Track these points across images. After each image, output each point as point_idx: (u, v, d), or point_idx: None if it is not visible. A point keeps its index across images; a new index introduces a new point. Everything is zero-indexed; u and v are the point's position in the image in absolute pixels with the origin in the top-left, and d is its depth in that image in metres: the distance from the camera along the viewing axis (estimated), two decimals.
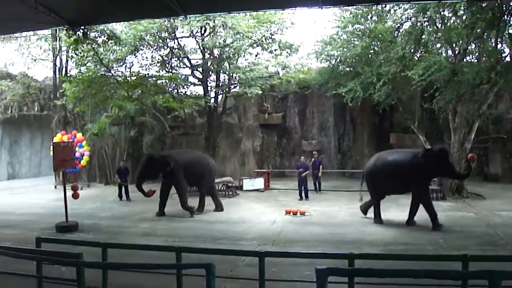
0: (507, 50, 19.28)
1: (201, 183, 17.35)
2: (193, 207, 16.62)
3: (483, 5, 16.45)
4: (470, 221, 14.80)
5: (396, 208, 16.49)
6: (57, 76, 26.64)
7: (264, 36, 21.10)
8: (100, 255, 7.48)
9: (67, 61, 26.22)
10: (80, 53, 19.32)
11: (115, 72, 21.17)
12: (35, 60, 29.67)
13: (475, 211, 16.31)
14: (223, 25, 19.97)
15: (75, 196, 15.35)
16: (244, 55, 21.62)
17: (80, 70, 21.27)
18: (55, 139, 21.78)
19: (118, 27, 19.53)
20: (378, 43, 20.65)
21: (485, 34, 18.04)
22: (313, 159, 21.19)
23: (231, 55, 20.81)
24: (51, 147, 16.30)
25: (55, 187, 24.46)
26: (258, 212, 16.90)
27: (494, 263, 6.52)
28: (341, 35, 21.58)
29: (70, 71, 25.67)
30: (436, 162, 13.61)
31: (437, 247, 11.58)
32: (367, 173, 15.17)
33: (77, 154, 21.83)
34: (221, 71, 21.79)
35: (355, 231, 13.50)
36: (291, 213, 16.07)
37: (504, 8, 16.79)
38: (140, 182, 16.17)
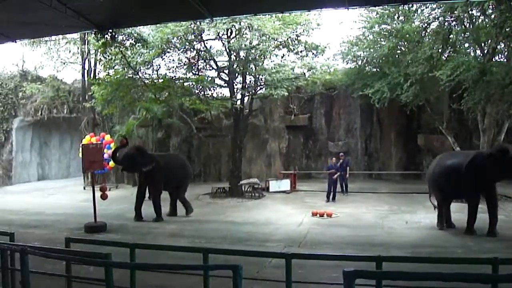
0: None
1: (179, 187, 17.21)
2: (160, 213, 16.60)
3: None
4: (500, 223, 14.48)
5: (423, 210, 16.31)
6: (86, 79, 27.04)
7: (290, 37, 21.05)
8: (128, 255, 7.57)
9: (95, 64, 26.58)
10: (108, 56, 19.52)
11: (142, 75, 21.35)
12: (64, 63, 30.10)
13: (505, 213, 16.03)
14: (249, 27, 19.99)
15: (104, 197, 15.56)
16: (270, 57, 21.58)
17: (108, 73, 21.50)
18: (84, 141, 22.05)
19: (146, 30, 19.70)
20: (405, 43, 20.50)
21: None
22: (340, 161, 21.14)
23: (257, 57, 20.80)
24: (80, 149, 16.56)
25: (84, 188, 24.82)
26: (285, 213, 16.90)
27: None
28: (368, 36, 21.48)
29: (98, 74, 26.01)
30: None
31: (467, 250, 11.42)
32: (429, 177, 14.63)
33: (106, 156, 22.05)
34: (247, 73, 21.79)
35: (382, 233, 13.40)
36: (318, 215, 16.05)
37: None
38: (114, 157, 16.38)
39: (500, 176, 12.90)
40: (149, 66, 21.32)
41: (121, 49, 18.44)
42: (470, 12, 18.27)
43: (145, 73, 21.71)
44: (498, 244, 11.72)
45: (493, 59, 18.80)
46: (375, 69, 22.35)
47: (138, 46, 18.95)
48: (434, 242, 12.26)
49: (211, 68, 21.92)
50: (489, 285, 5.94)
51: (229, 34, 20.91)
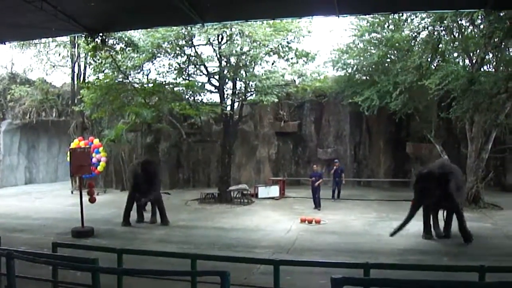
0: None
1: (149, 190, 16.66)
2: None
3: (501, 14, 16.36)
4: (487, 231, 14.65)
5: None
6: (75, 82, 26.93)
7: (280, 44, 21.11)
8: (115, 260, 7.53)
9: (85, 67, 26.49)
10: (98, 60, 19.45)
11: (132, 79, 21.28)
12: (53, 66, 30.04)
13: (492, 221, 16.14)
14: (240, 33, 20.03)
15: (92, 200, 15.46)
16: (260, 63, 21.63)
17: (98, 76, 21.40)
18: (72, 145, 21.76)
19: (136, 35, 19.67)
20: (395, 52, 20.63)
21: (503, 43, 17.94)
22: (335, 167, 21.27)
23: (247, 63, 20.83)
24: (68, 153, 16.45)
25: (72, 193, 24.67)
26: (273, 220, 16.89)
27: (511, 274, 6.45)
28: (358, 44, 21.59)
29: (88, 77, 25.87)
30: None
31: (454, 257, 11.48)
32: None
33: (94, 160, 21.87)
34: (238, 78, 21.81)
35: (370, 240, 13.43)
36: (307, 222, 16.05)
37: None
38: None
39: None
40: (139, 70, 21.27)
41: (111, 53, 18.36)
42: (459, 22, 18.43)
43: (135, 78, 21.64)
44: (485, 252, 11.79)
45: (482, 69, 18.98)
46: (364, 77, 22.46)
47: (128, 50, 18.89)
48: (421, 250, 12.31)
49: (201, 73, 21.92)
50: None
51: (220, 39, 20.93)
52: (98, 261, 6.54)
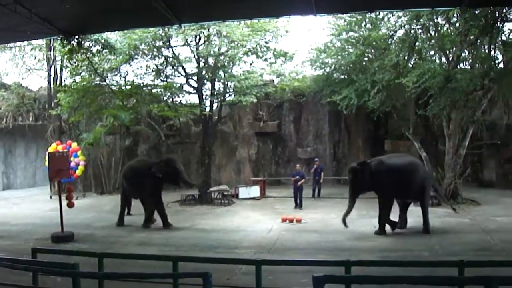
0: (500, 57, 19.44)
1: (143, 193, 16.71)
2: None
3: (476, 12, 16.58)
4: (465, 227, 14.84)
5: (391, 215, 16.51)
6: (52, 86, 26.56)
7: (258, 44, 21.13)
8: (96, 265, 7.46)
9: (61, 70, 26.15)
10: (75, 62, 19.23)
11: (109, 82, 21.13)
12: (29, 70, 29.67)
13: (470, 217, 16.35)
14: (217, 34, 20.01)
15: (70, 205, 15.29)
16: (239, 64, 21.62)
17: (74, 79, 21.19)
18: (50, 149, 21.70)
19: (113, 36, 19.51)
20: (372, 50, 20.75)
21: (478, 41, 18.19)
22: (315, 166, 21.32)
23: (226, 64, 20.82)
24: (46, 157, 16.27)
25: (51, 197, 24.36)
26: (254, 220, 16.89)
27: (490, 268, 6.55)
28: (336, 43, 21.67)
29: (64, 80, 25.57)
30: None
31: (433, 253, 11.61)
32: None
33: (72, 164, 21.73)
34: (216, 79, 21.78)
35: (351, 238, 13.51)
36: (288, 221, 16.09)
37: (497, 15, 16.93)
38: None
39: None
40: (116, 72, 21.13)
41: (87, 55, 18.19)
42: (435, 20, 18.64)
43: (113, 80, 21.50)
44: (464, 247, 11.94)
45: (458, 67, 19.20)
46: (343, 76, 22.54)
47: (105, 52, 18.72)
48: (402, 246, 12.42)
49: (179, 74, 21.83)
50: (456, 287, 6.05)
51: (197, 40, 20.88)
52: (79, 266, 6.47)
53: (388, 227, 14.28)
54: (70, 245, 13.46)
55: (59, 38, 15.58)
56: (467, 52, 19.28)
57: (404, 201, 14.90)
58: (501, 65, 19.08)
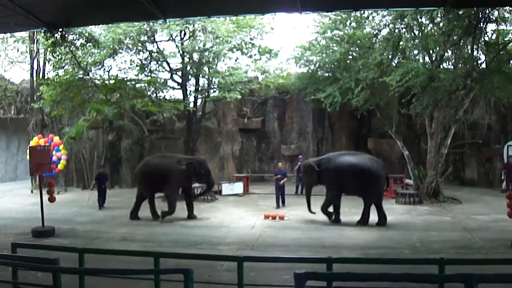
0: (482, 57, 19.60)
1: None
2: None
3: (460, 12, 16.72)
4: (446, 225, 14.98)
5: (373, 212, 16.61)
6: (35, 79, 26.27)
7: (243, 40, 21.12)
8: (77, 260, 7.41)
9: (44, 63, 25.90)
10: (58, 55, 19.09)
11: (93, 75, 20.98)
12: (12, 63, 29.34)
13: (451, 215, 16.51)
14: (202, 29, 19.96)
15: (51, 199, 15.15)
16: (223, 60, 21.60)
17: (57, 73, 21.01)
18: (32, 143, 21.48)
19: (97, 30, 19.39)
20: (357, 49, 20.82)
21: (461, 41, 18.37)
22: (298, 163, 21.35)
23: (210, 60, 20.77)
24: (28, 151, 16.11)
25: (32, 192, 24.13)
26: (237, 216, 16.89)
27: (470, 266, 6.61)
28: (320, 41, 21.70)
29: (47, 74, 25.33)
30: None
31: (415, 250, 11.70)
32: None
33: (54, 158, 21.54)
34: (201, 75, 21.73)
35: (333, 235, 13.57)
36: (270, 218, 16.12)
37: (480, 15, 17.09)
38: None
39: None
40: (100, 66, 20.99)
41: (71, 48, 18.04)
42: (419, 20, 18.74)
43: (96, 74, 21.36)
44: (444, 245, 12.06)
45: (441, 66, 19.37)
46: (327, 74, 22.58)
47: (89, 46, 18.58)
48: (383, 243, 12.50)
49: (163, 70, 21.75)
50: (436, 284, 6.11)
51: (182, 36, 20.81)
52: (59, 261, 6.41)
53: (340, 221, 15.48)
54: (51, 240, 13.33)
55: (43, 30, 15.45)
56: (450, 52, 19.44)
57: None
58: (484, 65, 19.26)
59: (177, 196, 16.87)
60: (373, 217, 15.27)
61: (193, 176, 16.74)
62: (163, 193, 17.45)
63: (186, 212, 16.74)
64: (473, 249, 11.72)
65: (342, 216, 15.89)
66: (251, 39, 21.38)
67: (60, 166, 22.73)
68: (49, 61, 23.13)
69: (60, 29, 15.15)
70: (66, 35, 16.08)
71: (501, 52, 18.70)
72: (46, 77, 24.27)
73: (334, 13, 19.65)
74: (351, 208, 16.84)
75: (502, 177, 21.31)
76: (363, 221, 14.99)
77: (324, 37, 21.44)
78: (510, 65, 19.67)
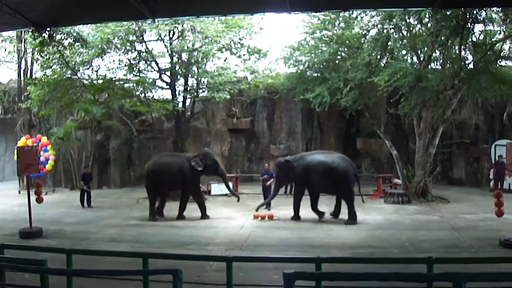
0: (470, 57, 19.73)
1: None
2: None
3: (448, 13, 16.82)
4: (435, 224, 15.07)
5: (361, 212, 16.69)
6: (22, 78, 26.05)
7: (232, 40, 21.10)
8: (65, 261, 7.36)
9: (32, 63, 25.72)
10: (46, 55, 18.97)
11: (81, 75, 20.87)
12: None
13: (439, 214, 16.61)
14: (191, 29, 19.92)
15: (39, 200, 15.04)
16: (212, 60, 21.55)
17: (45, 72, 20.88)
18: (19, 143, 21.36)
19: (85, 30, 19.27)
20: (345, 49, 20.87)
21: (449, 41, 18.46)
22: None
23: (199, 59, 20.74)
24: (15, 151, 16.00)
25: (19, 192, 23.93)
26: (226, 216, 16.88)
27: (458, 265, 6.65)
28: (309, 41, 21.73)
29: (35, 73, 25.16)
30: None
31: (403, 250, 11.76)
32: None
33: (42, 159, 21.42)
34: (190, 75, 21.68)
35: (322, 235, 13.60)
36: (260, 218, 16.12)
37: (467, 16, 17.19)
38: None
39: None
40: (88, 66, 20.89)
41: (59, 48, 17.94)
42: (407, 20, 18.84)
43: (84, 74, 21.24)
44: (432, 244, 12.13)
45: (429, 66, 19.48)
46: (316, 74, 22.61)
47: (77, 45, 18.49)
48: (372, 243, 12.55)
49: (152, 69, 21.68)
50: (424, 283, 6.14)
51: (171, 35, 20.76)
52: (47, 262, 6.36)
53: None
54: (39, 241, 13.22)
55: (30, 30, 15.34)
56: (438, 52, 19.54)
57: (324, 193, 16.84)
58: (471, 66, 19.40)
59: (201, 192, 17.48)
60: (364, 217, 15.34)
61: (200, 168, 16.74)
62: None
63: (174, 213, 16.73)
64: (461, 248, 11.79)
65: (328, 215, 15.97)
66: (240, 39, 21.36)
67: (48, 167, 22.60)
68: (36, 61, 22.99)
69: (48, 29, 15.05)
70: (54, 35, 15.99)
71: (488, 53, 18.88)
72: (33, 77, 24.11)
73: (323, 13, 19.71)
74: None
75: (491, 176, 21.50)
76: (351, 220, 15.33)
77: (313, 37, 21.47)
78: (497, 65, 19.87)
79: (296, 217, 16.14)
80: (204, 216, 16.62)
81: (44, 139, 22.78)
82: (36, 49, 19.05)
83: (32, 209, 14.24)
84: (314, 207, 16.23)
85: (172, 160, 17.34)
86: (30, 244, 11.92)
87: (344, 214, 15.76)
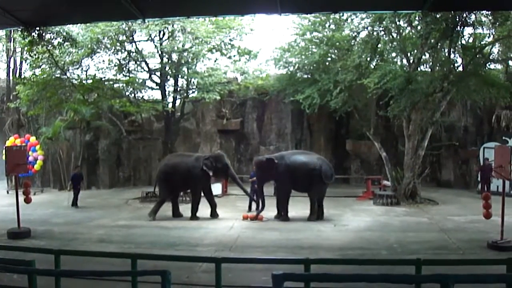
0: (459, 60, 19.87)
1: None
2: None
3: (437, 16, 16.93)
4: (423, 226, 15.14)
5: (350, 213, 16.76)
6: (11, 78, 25.91)
7: (223, 41, 21.12)
8: (53, 262, 7.32)
9: (21, 62, 25.55)
10: (35, 54, 18.86)
11: (70, 75, 20.80)
12: None
13: (428, 216, 16.68)
14: (182, 30, 19.90)
15: (27, 200, 14.94)
16: (202, 60, 21.57)
17: (34, 72, 20.79)
18: (8, 143, 21.21)
19: (75, 29, 19.20)
20: (336, 51, 20.92)
21: (439, 44, 18.57)
22: None
23: (189, 60, 20.74)
24: (4, 151, 15.87)
25: (7, 192, 23.74)
26: (216, 217, 16.85)
27: (446, 267, 6.69)
28: (299, 43, 21.76)
29: (24, 73, 25.03)
30: None
31: (392, 251, 11.80)
32: None
33: (30, 159, 21.29)
34: (179, 75, 21.66)
35: (311, 236, 13.62)
36: (249, 219, 16.11)
37: (457, 19, 17.32)
38: None
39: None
40: (77, 66, 20.83)
41: (48, 48, 17.87)
42: (397, 23, 18.91)
43: (74, 74, 21.19)
44: (421, 246, 12.18)
45: (418, 69, 19.55)
46: (306, 76, 22.66)
47: (66, 45, 18.41)
48: (361, 245, 12.57)
49: (142, 70, 21.64)
50: (413, 285, 6.17)
51: (161, 36, 20.74)
52: (35, 263, 6.33)
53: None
54: (27, 241, 13.13)
55: (20, 29, 15.24)
56: (427, 55, 19.65)
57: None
58: (460, 68, 19.53)
59: (200, 195, 17.14)
60: (353, 218, 15.39)
61: (211, 171, 16.78)
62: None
63: (163, 214, 16.72)
64: (449, 250, 11.86)
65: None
66: (230, 40, 21.38)
67: (36, 167, 22.46)
68: (26, 60, 22.85)
69: (38, 28, 14.98)
70: (44, 34, 15.92)
71: (477, 56, 19.00)
72: (22, 76, 23.99)
73: (313, 15, 19.75)
74: (328, 209, 16.95)
75: (478, 179, 21.64)
76: (311, 217, 16.17)
77: (303, 39, 21.51)
78: (486, 68, 20.03)
79: (286, 218, 16.20)
80: (193, 217, 16.64)
81: (32, 139, 22.64)
82: (25, 48, 18.97)
83: (20, 209, 14.14)
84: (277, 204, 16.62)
85: (182, 160, 17.47)
86: (18, 244, 11.84)
87: (333, 216, 15.80)
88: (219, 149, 26.83)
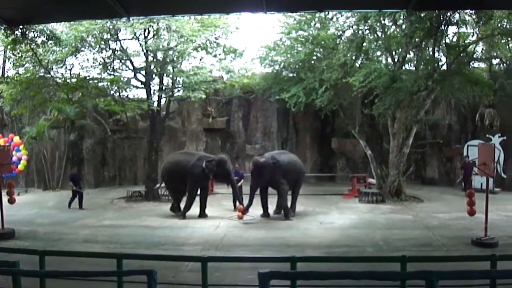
0: (443, 59, 20.02)
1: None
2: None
3: (422, 15, 17.05)
4: (408, 223, 15.25)
5: (336, 211, 16.83)
6: None
7: (208, 40, 21.03)
8: (37, 263, 7.26)
9: (4, 61, 25.29)
10: (18, 53, 18.67)
11: (54, 74, 20.58)
12: None
13: (413, 213, 16.81)
14: (167, 28, 19.79)
15: (11, 200, 14.79)
16: (188, 59, 21.46)
17: (18, 71, 20.56)
18: None
19: (59, 27, 19.01)
20: (321, 49, 20.98)
21: (423, 43, 18.71)
22: None
23: (175, 59, 20.64)
24: None
25: None
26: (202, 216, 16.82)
27: (431, 263, 6.74)
28: (285, 41, 21.80)
29: (7, 72, 24.76)
30: None
31: (377, 248, 11.88)
32: None
33: (14, 158, 21.10)
34: (165, 74, 21.54)
35: (298, 234, 13.66)
36: (237, 216, 16.06)
37: (441, 18, 17.45)
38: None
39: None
40: (61, 65, 20.60)
41: (32, 46, 17.68)
42: (382, 21, 19.04)
43: (58, 72, 20.94)
44: (406, 243, 12.28)
45: (403, 67, 19.69)
46: (291, 74, 22.70)
47: (50, 43, 18.25)
48: (347, 242, 12.64)
49: (127, 68, 21.48)
50: (398, 281, 6.21)
51: (146, 34, 20.60)
52: (19, 264, 6.27)
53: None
54: (11, 242, 12.99)
55: (2, 27, 15.06)
56: (412, 54, 19.77)
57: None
58: (444, 67, 19.68)
59: (196, 194, 17.14)
60: (339, 216, 15.44)
61: (211, 174, 16.81)
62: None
63: (148, 213, 16.68)
64: (434, 247, 11.97)
65: (307, 215, 16.03)
66: (216, 38, 21.30)
67: (20, 167, 22.25)
68: (9, 59, 22.55)
69: (21, 26, 14.83)
70: (27, 32, 15.77)
71: (461, 54, 19.20)
72: (6, 75, 23.72)
73: (298, 13, 19.79)
74: (315, 207, 17.01)
75: (460, 176, 21.83)
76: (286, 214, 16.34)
77: (288, 37, 21.55)
78: (470, 67, 20.21)
79: (292, 214, 16.51)
80: (181, 215, 16.68)
81: (16, 138, 22.43)
82: (9, 47, 18.73)
83: (4, 209, 14.00)
84: (266, 204, 16.75)
85: (184, 158, 17.59)
86: (2, 245, 11.71)
87: (319, 214, 15.83)
88: (204, 148, 26.80)
